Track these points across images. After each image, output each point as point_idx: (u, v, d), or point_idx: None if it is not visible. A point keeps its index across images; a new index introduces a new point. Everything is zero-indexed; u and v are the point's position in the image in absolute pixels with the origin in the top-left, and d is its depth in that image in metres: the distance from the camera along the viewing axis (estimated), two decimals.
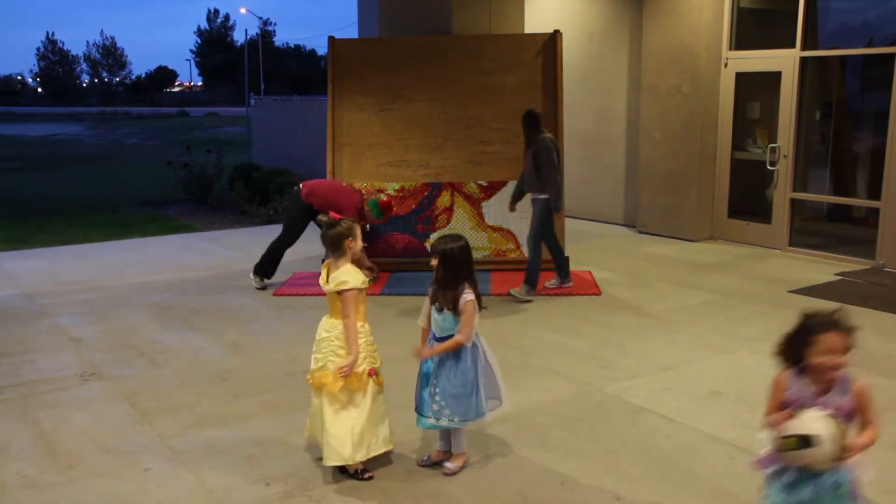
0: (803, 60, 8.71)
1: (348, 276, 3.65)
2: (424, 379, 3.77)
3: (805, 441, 2.54)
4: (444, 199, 8.12)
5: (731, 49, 9.36)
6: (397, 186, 8.14)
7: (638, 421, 4.42)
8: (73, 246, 9.82)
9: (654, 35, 9.72)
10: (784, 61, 8.82)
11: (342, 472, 3.77)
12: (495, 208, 8.08)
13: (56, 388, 4.96)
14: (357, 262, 3.80)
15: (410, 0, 9.20)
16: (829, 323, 2.61)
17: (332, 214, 3.81)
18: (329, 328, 3.72)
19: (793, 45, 8.70)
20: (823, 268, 8.15)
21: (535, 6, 11.01)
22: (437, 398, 3.69)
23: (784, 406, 2.69)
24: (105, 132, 40.94)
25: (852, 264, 8.25)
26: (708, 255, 8.85)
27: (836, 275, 7.85)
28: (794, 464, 2.66)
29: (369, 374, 3.72)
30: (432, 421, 3.72)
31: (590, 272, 7.87)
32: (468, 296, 3.65)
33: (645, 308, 6.73)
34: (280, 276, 7.88)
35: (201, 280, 7.85)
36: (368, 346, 3.76)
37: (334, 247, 3.71)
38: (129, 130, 40.66)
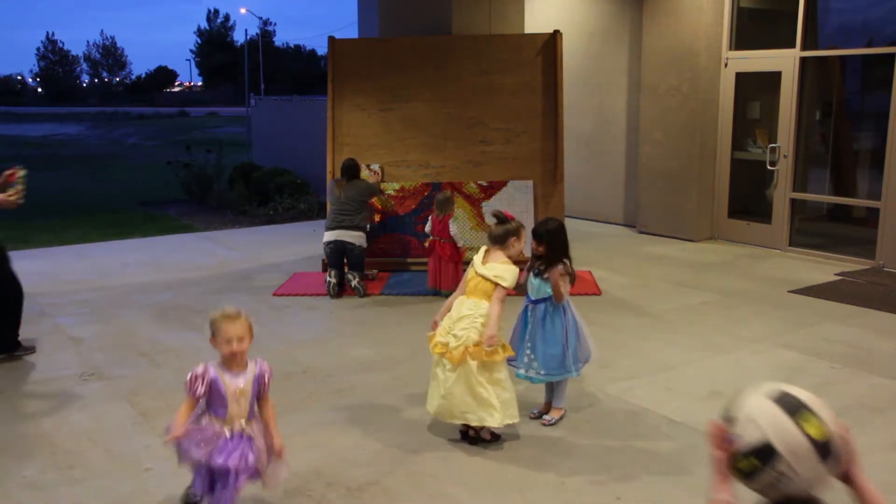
0: (803, 60, 8.71)
1: (507, 274, 3.99)
2: (522, 336, 4.30)
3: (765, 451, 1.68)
4: None
5: (731, 49, 9.36)
6: (397, 186, 8.14)
7: (638, 421, 4.42)
8: (73, 246, 9.82)
9: (654, 35, 9.71)
10: (784, 61, 8.81)
11: (469, 437, 4.10)
12: (495, 208, 8.06)
13: (56, 388, 4.96)
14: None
15: (410, 0, 9.20)
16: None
17: (506, 213, 4.19)
18: (472, 307, 4.00)
19: (793, 45, 8.70)
20: (823, 268, 8.14)
21: (535, 6, 11.00)
22: (528, 352, 4.26)
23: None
24: (105, 132, 40.95)
25: (852, 264, 8.25)
26: (708, 255, 8.85)
27: (836, 275, 7.85)
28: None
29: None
30: (522, 371, 4.30)
31: (590, 272, 7.87)
32: (559, 266, 4.17)
33: (645, 308, 6.72)
34: (280, 275, 7.89)
35: (201, 280, 7.85)
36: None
37: (498, 241, 4.11)
38: (129, 130, 40.67)
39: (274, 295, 7.21)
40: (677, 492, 3.63)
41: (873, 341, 5.80)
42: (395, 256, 8.06)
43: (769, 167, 9.00)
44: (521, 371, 4.30)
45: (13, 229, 11.29)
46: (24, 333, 6.10)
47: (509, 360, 4.31)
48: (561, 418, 4.38)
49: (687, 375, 5.14)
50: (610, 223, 10.90)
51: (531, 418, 4.40)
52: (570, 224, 8.83)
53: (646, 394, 4.81)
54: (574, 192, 10.20)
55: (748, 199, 9.69)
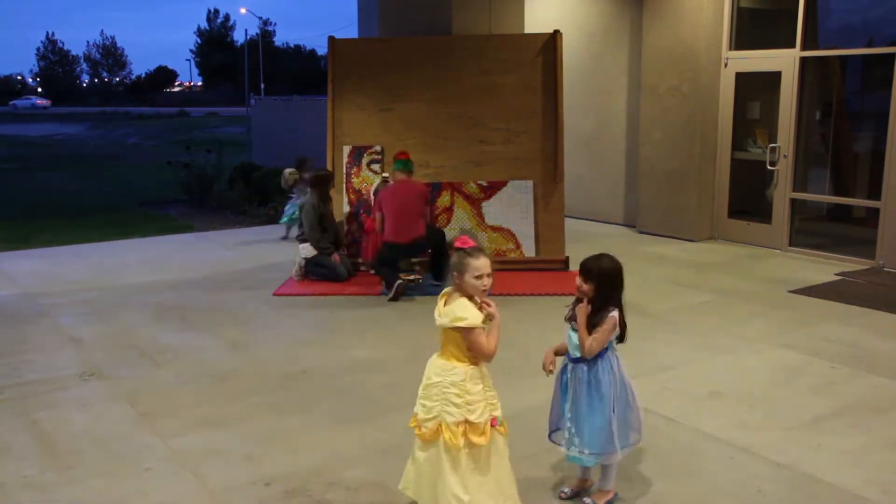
0: (803, 60, 8.71)
1: (462, 310, 3.09)
2: (563, 404, 3.47)
3: None
4: (444, 199, 8.11)
5: (731, 49, 9.36)
6: None
7: None
8: (73, 246, 9.81)
9: (654, 35, 9.71)
10: (784, 61, 8.81)
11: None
12: (495, 208, 8.07)
13: (56, 388, 4.96)
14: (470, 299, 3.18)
15: (410, 0, 9.19)
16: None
17: (459, 242, 3.21)
18: (441, 371, 3.16)
19: (793, 45, 8.70)
20: (823, 268, 8.14)
21: (535, 6, 11.00)
22: (569, 425, 3.41)
23: None
24: (105, 132, 40.97)
25: (852, 264, 8.25)
26: (708, 255, 8.85)
27: (836, 275, 7.85)
28: None
29: (492, 425, 3.19)
30: (563, 449, 3.46)
31: None
32: (612, 312, 3.34)
33: (645, 308, 6.72)
34: (280, 275, 7.88)
35: (201, 280, 7.85)
36: (488, 390, 3.20)
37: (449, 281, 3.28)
38: (129, 130, 40.68)
39: (274, 295, 7.21)
40: (677, 492, 3.63)
41: (873, 341, 5.80)
42: None
43: (769, 167, 9.00)
44: (571, 452, 3.43)
45: (13, 229, 11.31)
46: (25, 333, 6.11)
47: (550, 437, 3.56)
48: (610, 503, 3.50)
49: (687, 375, 5.14)
50: (610, 223, 10.90)
51: (562, 499, 3.56)
52: (570, 224, 8.83)
53: (646, 394, 4.77)
54: (574, 192, 10.20)
55: (748, 198, 9.69)
